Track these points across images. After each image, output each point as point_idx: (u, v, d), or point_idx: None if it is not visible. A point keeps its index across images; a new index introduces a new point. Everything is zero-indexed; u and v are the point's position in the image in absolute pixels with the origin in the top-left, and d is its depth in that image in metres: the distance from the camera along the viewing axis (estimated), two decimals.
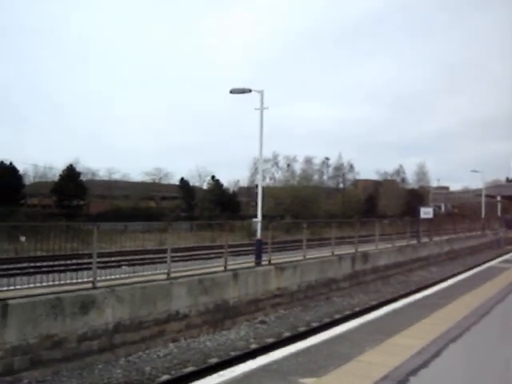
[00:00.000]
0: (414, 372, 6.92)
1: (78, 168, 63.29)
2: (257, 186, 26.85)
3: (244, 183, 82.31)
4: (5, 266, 18.13)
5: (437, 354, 7.87)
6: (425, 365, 7.30)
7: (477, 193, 67.37)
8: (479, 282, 15.90)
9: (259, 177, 24.13)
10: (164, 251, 16.18)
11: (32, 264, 19.81)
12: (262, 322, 17.20)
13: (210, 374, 7.08)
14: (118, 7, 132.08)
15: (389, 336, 8.91)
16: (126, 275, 15.26)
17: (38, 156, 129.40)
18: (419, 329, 9.75)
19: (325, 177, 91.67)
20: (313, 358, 7.41)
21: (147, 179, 77.13)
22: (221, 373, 6.72)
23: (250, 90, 21.35)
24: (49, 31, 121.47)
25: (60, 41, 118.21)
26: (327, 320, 17.20)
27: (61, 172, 61.22)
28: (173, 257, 15.85)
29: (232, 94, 21.97)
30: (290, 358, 7.37)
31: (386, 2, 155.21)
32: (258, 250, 19.81)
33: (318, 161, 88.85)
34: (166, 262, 15.63)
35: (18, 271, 17.76)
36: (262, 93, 21.71)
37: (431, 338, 8.84)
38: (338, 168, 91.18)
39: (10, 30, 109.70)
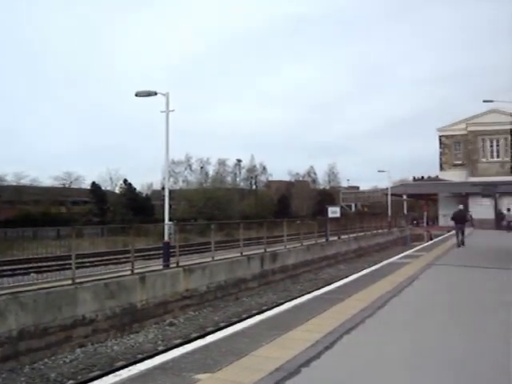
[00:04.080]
0: (307, 363, 7.21)
1: None
2: (163, 188, 26.85)
3: (157, 186, 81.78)
4: None
5: (330, 346, 8.20)
6: (317, 356, 7.61)
7: (385, 192, 69.62)
8: (379, 277, 16.53)
9: (166, 179, 24.14)
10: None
11: None
12: (171, 324, 17.31)
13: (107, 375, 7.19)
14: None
15: (286, 331, 9.21)
16: (31, 282, 15.09)
17: None
18: (316, 323, 10.10)
19: (238, 179, 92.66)
20: (210, 354, 7.60)
21: (57, 184, 75.19)
22: (117, 372, 6.83)
23: (155, 93, 21.27)
24: None
25: None
26: (235, 319, 17.49)
27: None
28: (81, 262, 15.68)
29: (139, 97, 21.83)
30: (187, 356, 7.53)
31: (301, 10, 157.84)
32: (166, 252, 19.85)
33: (231, 163, 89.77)
34: (78, 267, 15.52)
35: None
36: (167, 95, 21.68)
37: (327, 331, 9.17)
38: (251, 170, 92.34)
39: None
